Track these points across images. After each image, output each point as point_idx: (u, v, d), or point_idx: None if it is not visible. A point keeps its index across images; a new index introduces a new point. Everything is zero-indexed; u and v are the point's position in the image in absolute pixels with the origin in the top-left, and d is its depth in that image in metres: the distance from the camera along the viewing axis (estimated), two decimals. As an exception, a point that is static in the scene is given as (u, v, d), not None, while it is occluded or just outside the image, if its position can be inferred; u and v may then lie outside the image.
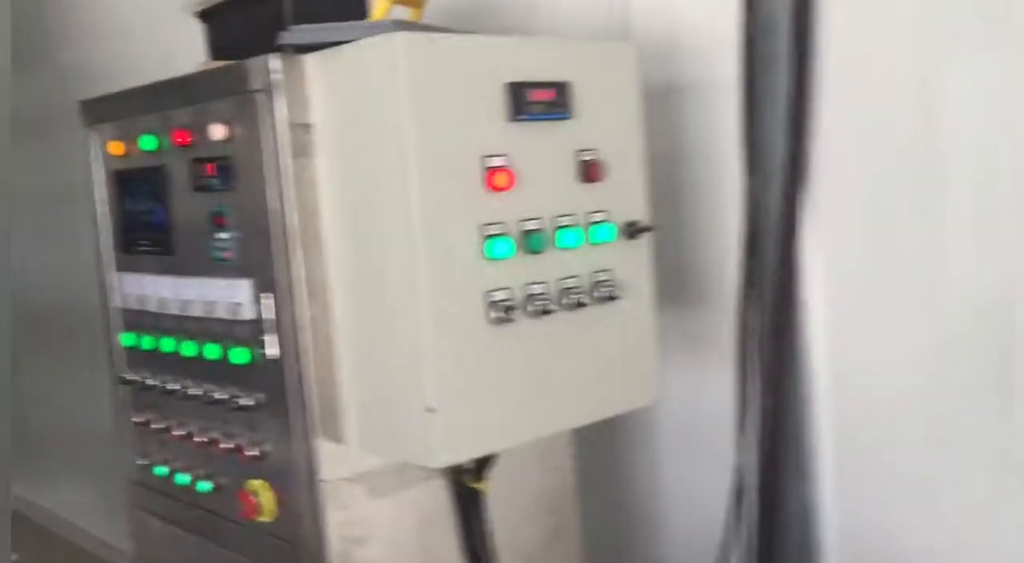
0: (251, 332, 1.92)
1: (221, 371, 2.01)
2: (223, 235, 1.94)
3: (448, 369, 1.66)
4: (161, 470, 2.24)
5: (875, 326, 2.04)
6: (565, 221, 1.82)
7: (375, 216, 1.72)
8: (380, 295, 1.73)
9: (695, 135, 2.31)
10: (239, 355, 1.93)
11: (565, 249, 1.81)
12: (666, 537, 2.52)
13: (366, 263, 1.75)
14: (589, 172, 1.84)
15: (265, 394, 1.93)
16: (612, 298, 1.87)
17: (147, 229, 2.17)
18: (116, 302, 2.32)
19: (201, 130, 1.95)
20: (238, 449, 1.98)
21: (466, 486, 2.00)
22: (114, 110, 2.24)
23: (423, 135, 1.63)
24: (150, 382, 2.22)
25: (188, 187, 2.01)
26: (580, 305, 1.82)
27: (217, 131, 1.89)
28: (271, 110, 1.78)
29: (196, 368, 2.08)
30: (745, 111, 2.06)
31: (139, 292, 2.22)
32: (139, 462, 2.31)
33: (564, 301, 1.80)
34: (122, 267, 2.28)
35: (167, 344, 2.14)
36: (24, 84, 4.19)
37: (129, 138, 2.18)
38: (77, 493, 4.81)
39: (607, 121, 1.89)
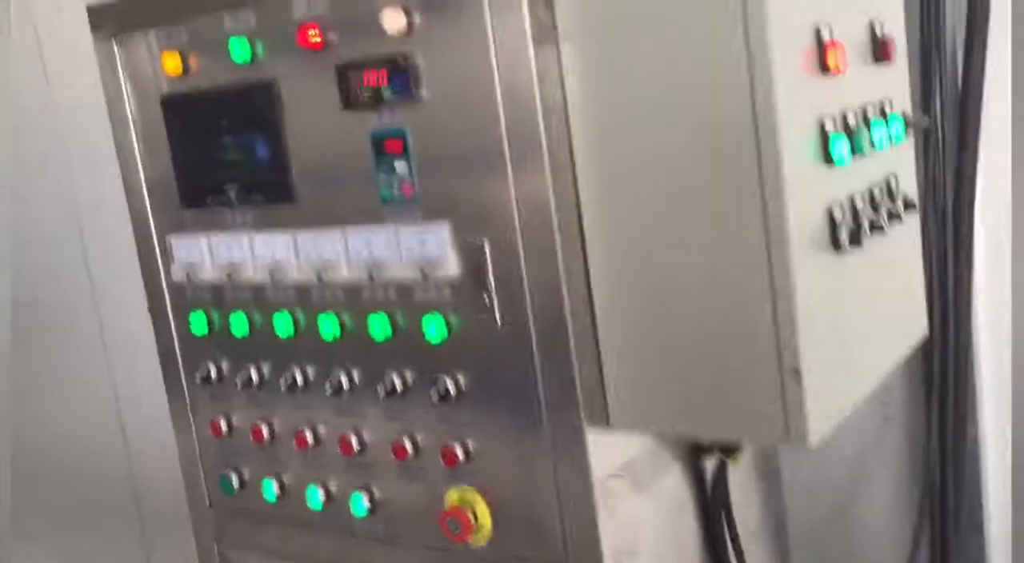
0: (453, 293, 1.41)
1: (389, 352, 1.49)
2: (400, 165, 1.42)
3: (812, 316, 1.23)
4: (270, 490, 1.70)
5: None
6: (871, 113, 1.41)
7: (672, 118, 1.25)
8: (681, 227, 1.27)
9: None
10: (434, 326, 1.42)
11: (878, 151, 1.41)
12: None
13: (650, 185, 1.29)
14: (883, 50, 1.44)
15: (472, 374, 1.43)
16: (899, 216, 1.48)
17: (240, 172, 1.60)
18: (177, 276, 1.72)
19: (352, 23, 1.41)
20: (436, 451, 1.48)
21: (721, 463, 1.59)
22: (161, 8, 1.63)
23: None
24: (248, 375, 1.67)
25: (325, 106, 1.46)
26: (893, 220, 1.43)
27: (393, 20, 1.35)
28: (500, -21, 1.27)
29: (341, 352, 1.55)
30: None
31: (224, 259, 1.65)
32: (228, 481, 1.75)
33: (875, 220, 1.40)
34: (187, 227, 1.69)
35: (283, 323, 1.59)
36: None
37: (198, 47, 1.59)
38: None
39: (891, -13, 1.49)
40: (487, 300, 1.39)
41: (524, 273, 1.35)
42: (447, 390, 1.44)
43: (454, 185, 1.38)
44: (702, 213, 1.26)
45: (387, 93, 1.39)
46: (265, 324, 1.63)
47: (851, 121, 1.34)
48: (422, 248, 1.43)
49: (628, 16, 1.26)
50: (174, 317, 1.77)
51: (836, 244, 1.30)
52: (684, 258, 1.28)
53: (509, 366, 1.39)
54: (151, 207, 1.74)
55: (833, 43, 1.28)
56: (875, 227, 1.35)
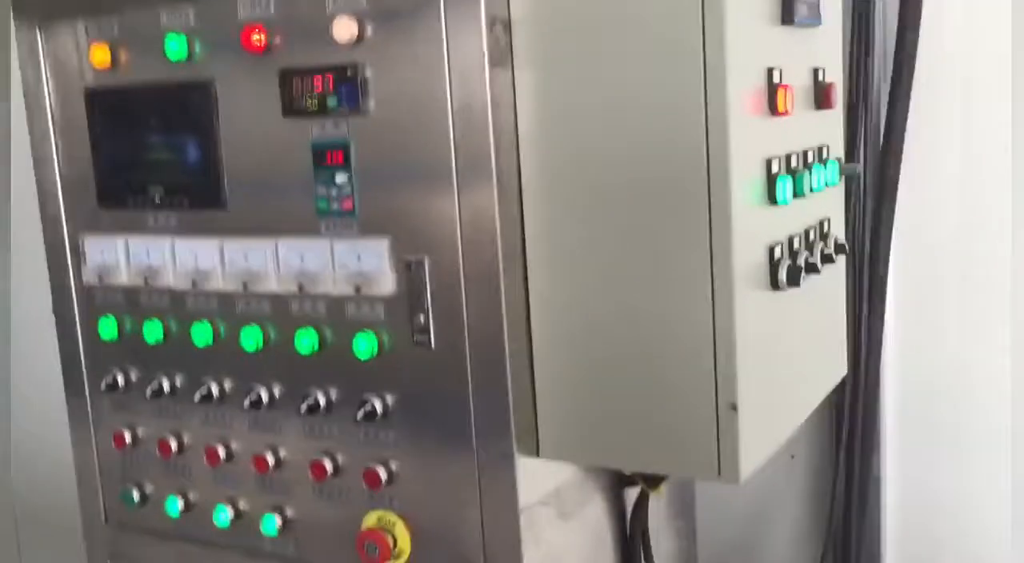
0: (387, 311, 1.38)
1: (315, 367, 1.45)
2: (340, 178, 1.38)
3: (749, 352, 1.25)
4: (173, 506, 1.62)
5: None
6: (811, 157, 1.44)
7: (623, 150, 1.25)
8: (625, 260, 1.27)
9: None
10: (364, 343, 1.39)
11: (815, 193, 1.44)
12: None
13: (597, 216, 1.28)
14: (826, 96, 1.47)
15: (400, 395, 1.40)
16: (831, 258, 1.51)
17: (166, 173, 1.53)
18: (88, 278, 1.64)
19: (299, 28, 1.37)
20: (357, 472, 1.44)
21: (643, 493, 1.59)
22: None
23: (724, 36, 1.19)
24: (159, 385, 1.59)
25: (264, 111, 1.41)
26: (825, 261, 1.46)
27: (345, 28, 1.32)
28: (460, -4, 1.26)
29: (262, 365, 1.50)
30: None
31: (142, 262, 1.58)
32: (130, 496, 1.67)
33: (810, 260, 1.43)
34: (103, 228, 1.62)
35: (202, 333, 1.53)
36: None
37: (130, 40, 1.53)
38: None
39: (833, 35, 1.53)
40: (422, 321, 1.36)
41: (464, 296, 1.32)
42: (373, 409, 1.40)
43: (396, 201, 1.35)
44: (646, 247, 1.26)
45: (332, 102, 1.36)
46: (181, 332, 1.56)
47: (794, 163, 1.37)
48: (358, 263, 1.39)
49: (585, 46, 1.26)
50: (81, 321, 1.68)
51: (775, 283, 1.31)
52: (625, 291, 1.28)
53: (440, 389, 1.37)
54: (64, 205, 1.66)
55: (784, 86, 1.30)
56: (810, 267, 1.37)
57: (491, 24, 1.26)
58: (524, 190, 1.32)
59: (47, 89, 1.63)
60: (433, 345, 1.36)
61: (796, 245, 1.38)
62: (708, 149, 1.20)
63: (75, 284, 1.67)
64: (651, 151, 1.23)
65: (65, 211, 1.66)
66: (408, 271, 1.35)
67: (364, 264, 1.38)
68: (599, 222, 1.28)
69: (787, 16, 1.33)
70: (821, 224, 1.50)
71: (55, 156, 1.65)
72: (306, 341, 1.43)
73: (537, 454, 1.37)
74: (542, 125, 1.29)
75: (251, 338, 1.48)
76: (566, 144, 1.29)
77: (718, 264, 1.21)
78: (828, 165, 1.49)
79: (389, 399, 1.41)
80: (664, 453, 1.30)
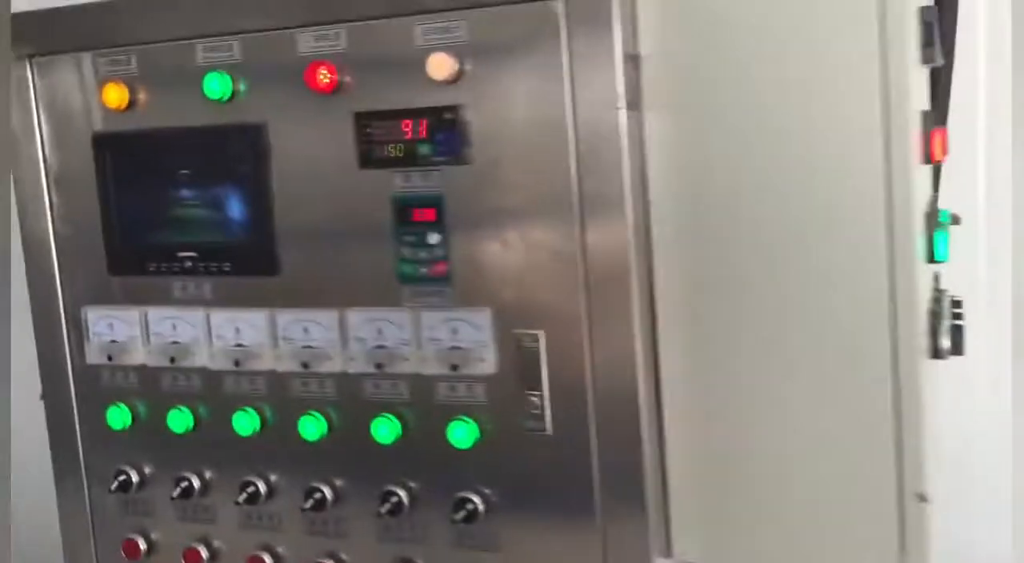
0: (488, 392, 1.18)
1: (391, 458, 1.24)
2: (433, 238, 1.18)
3: (929, 431, 1.09)
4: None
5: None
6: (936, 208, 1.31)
7: (774, 203, 1.09)
8: (778, 328, 1.11)
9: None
10: (462, 430, 1.18)
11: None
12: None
13: (746, 280, 1.12)
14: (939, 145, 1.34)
15: (505, 489, 1.20)
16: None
17: (201, 231, 1.30)
18: (93, 358, 1.38)
19: (376, 64, 1.17)
20: (450, 583, 1.22)
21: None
22: (103, 28, 1.32)
23: (907, 74, 1.05)
24: (187, 483, 1.35)
25: (329, 159, 1.20)
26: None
27: (441, 65, 1.12)
28: (592, 28, 1.08)
29: (321, 456, 1.27)
30: None
31: (166, 338, 1.33)
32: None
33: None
34: (112, 298, 1.36)
35: (245, 421, 1.29)
36: None
37: (154, 77, 1.30)
38: None
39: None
40: (536, 403, 1.16)
41: (589, 374, 1.13)
42: (475, 507, 1.19)
43: (500, 264, 1.16)
44: (809, 311, 1.09)
45: (425, 149, 1.16)
46: (218, 420, 1.32)
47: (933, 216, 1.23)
48: (452, 338, 1.19)
49: (734, 87, 1.09)
50: (79, 407, 1.41)
51: (936, 351, 1.17)
52: (783, 366, 1.11)
53: (556, 483, 1.17)
54: (59, 270, 1.40)
55: (941, 130, 1.16)
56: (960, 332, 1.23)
57: (625, 60, 1.09)
58: (656, 253, 1.14)
59: (38, 133, 1.38)
60: (549, 430, 1.16)
61: (943, 308, 1.24)
62: (891, 200, 1.04)
63: (73, 364, 1.41)
64: (814, 201, 1.08)
65: (61, 278, 1.40)
66: (516, 346, 1.16)
67: (461, 338, 1.18)
68: (748, 283, 1.11)
69: (927, 57, 1.20)
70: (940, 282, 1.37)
71: (48, 213, 1.39)
72: (385, 429, 1.22)
73: (669, 555, 1.18)
74: (680, 175, 1.12)
75: (311, 426, 1.26)
76: (707, 198, 1.12)
77: (903, 328, 1.06)
78: (943, 217, 1.36)
79: (490, 494, 1.20)
80: (829, 552, 1.13)
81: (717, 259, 1.12)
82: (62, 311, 1.40)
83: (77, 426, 1.42)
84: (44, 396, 1.44)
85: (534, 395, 1.16)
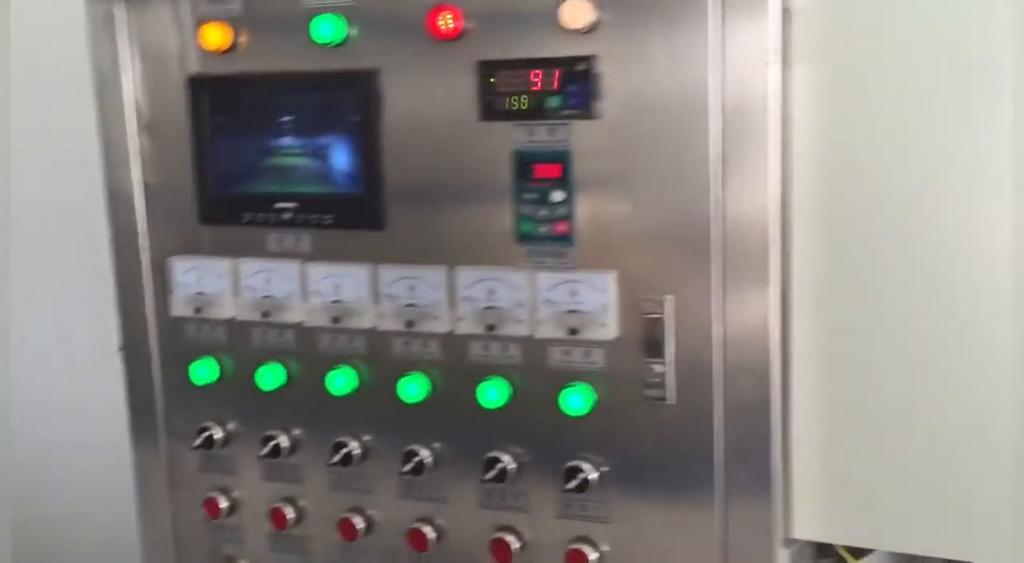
0: (608, 358, 1.13)
1: (497, 423, 1.19)
2: (556, 195, 1.12)
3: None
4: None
5: None
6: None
7: (915, 174, 1.04)
8: (921, 297, 1.06)
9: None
10: (577, 397, 1.13)
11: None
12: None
13: (880, 250, 1.07)
14: None
15: (620, 459, 1.15)
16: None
17: (302, 182, 1.24)
18: (178, 310, 1.33)
19: (506, 11, 1.11)
20: (558, 554, 1.18)
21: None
22: (203, -31, 1.26)
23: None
24: (276, 442, 1.30)
25: (448, 110, 1.15)
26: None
27: (577, 12, 1.07)
28: (743, -25, 1.02)
29: (421, 419, 1.23)
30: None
31: (258, 292, 1.28)
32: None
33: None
34: (202, 249, 1.31)
35: (341, 380, 1.24)
36: None
37: (258, 18, 1.24)
38: None
39: None
40: (657, 371, 1.11)
41: (718, 344, 1.08)
42: (586, 478, 1.15)
43: (627, 226, 1.10)
44: (955, 294, 1.04)
45: (553, 102, 1.10)
46: (311, 378, 1.27)
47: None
48: (571, 300, 1.13)
49: (892, 42, 1.04)
50: (163, 360, 1.37)
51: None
52: (920, 341, 1.06)
53: (674, 455, 1.12)
54: (146, 218, 1.34)
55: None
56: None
57: (780, 13, 1.03)
58: (795, 220, 1.09)
59: (130, 75, 1.32)
60: (671, 399, 1.11)
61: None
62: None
63: (156, 316, 1.36)
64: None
65: (148, 226, 1.34)
66: (641, 312, 1.11)
67: (581, 302, 1.13)
68: (888, 263, 1.06)
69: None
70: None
71: (135, 159, 1.33)
72: (492, 393, 1.17)
73: (790, 535, 1.14)
74: (823, 138, 1.07)
75: (413, 386, 1.21)
76: (849, 167, 1.07)
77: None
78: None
79: (603, 464, 1.16)
80: (948, 534, 1.08)
81: (855, 233, 1.07)
82: (147, 261, 1.35)
83: (157, 380, 1.37)
84: (122, 348, 1.39)
85: (656, 363, 1.11)
